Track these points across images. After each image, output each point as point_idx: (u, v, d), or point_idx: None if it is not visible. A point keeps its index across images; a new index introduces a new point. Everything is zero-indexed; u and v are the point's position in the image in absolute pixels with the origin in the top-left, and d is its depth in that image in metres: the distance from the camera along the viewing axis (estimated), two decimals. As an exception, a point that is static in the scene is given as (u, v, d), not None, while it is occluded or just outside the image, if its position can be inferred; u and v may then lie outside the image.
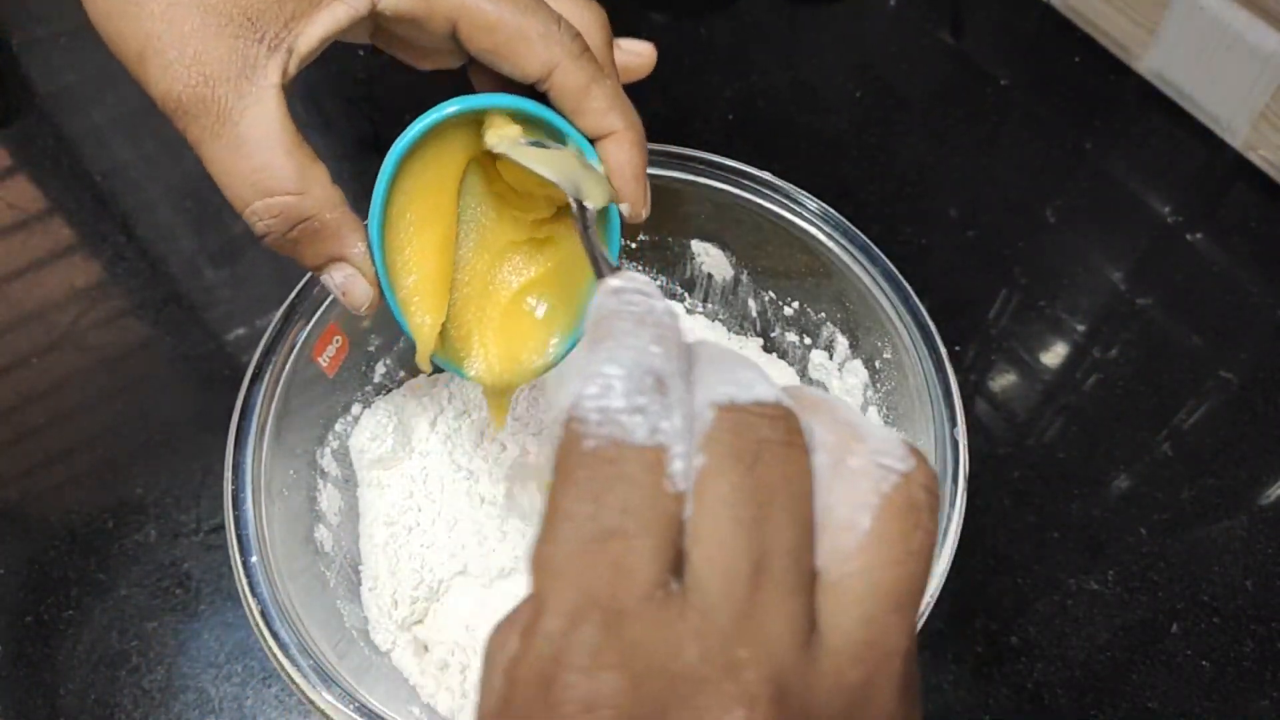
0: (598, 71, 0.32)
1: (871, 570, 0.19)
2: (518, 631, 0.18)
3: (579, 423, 0.19)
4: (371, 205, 0.33)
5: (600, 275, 0.29)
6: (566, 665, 0.17)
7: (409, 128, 0.33)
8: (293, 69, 0.31)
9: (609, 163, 0.33)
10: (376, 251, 0.33)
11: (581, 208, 0.31)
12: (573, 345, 0.38)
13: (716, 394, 0.20)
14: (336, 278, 0.33)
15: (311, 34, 0.31)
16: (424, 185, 0.34)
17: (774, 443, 0.19)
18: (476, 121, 0.34)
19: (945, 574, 0.36)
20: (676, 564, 0.19)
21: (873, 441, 0.20)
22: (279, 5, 0.30)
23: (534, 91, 0.33)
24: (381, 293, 0.34)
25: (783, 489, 0.19)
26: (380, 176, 0.33)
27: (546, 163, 0.32)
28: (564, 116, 0.33)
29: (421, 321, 0.35)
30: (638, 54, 0.37)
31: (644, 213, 0.35)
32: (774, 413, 0.20)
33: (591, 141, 0.33)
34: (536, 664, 0.18)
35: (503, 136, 0.33)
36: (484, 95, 0.33)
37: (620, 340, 0.21)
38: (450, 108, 0.32)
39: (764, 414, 0.20)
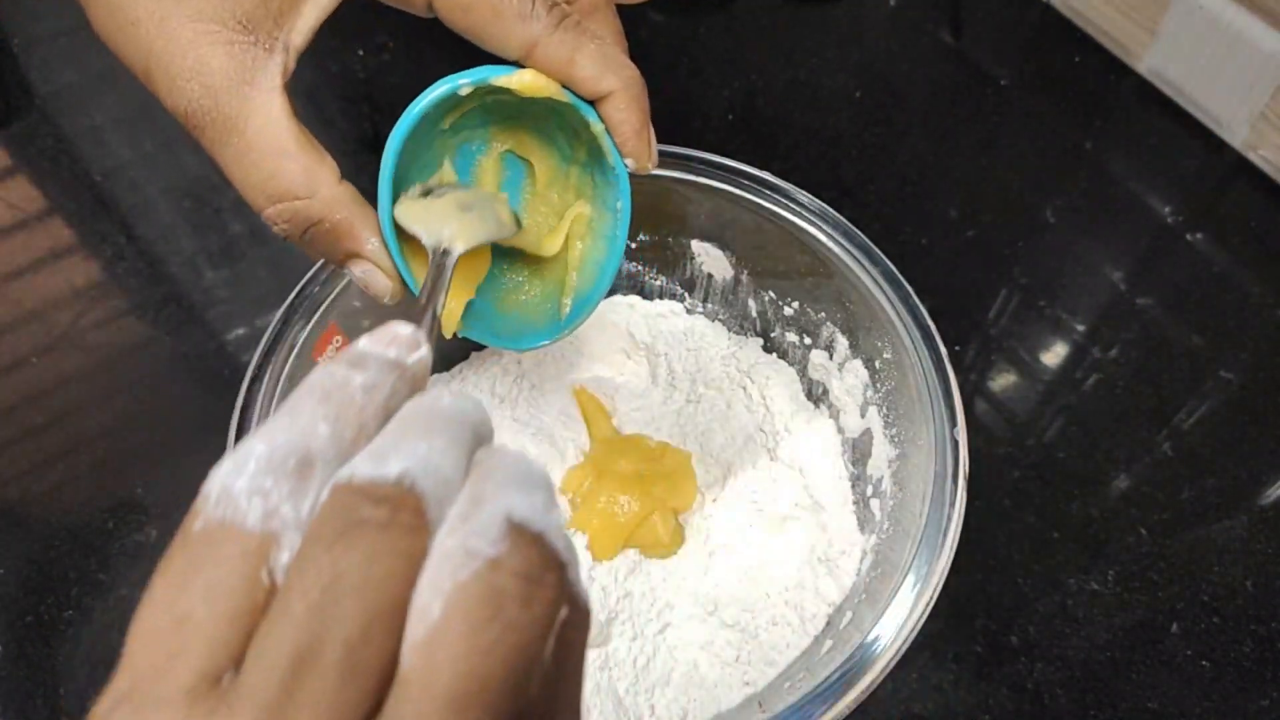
0: (580, 39, 0.32)
1: (430, 666, 0.17)
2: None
3: (201, 499, 0.19)
4: (379, 197, 0.33)
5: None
6: None
7: (405, 113, 0.33)
8: (291, 64, 0.31)
9: (608, 121, 0.33)
10: (391, 242, 0.33)
11: (440, 254, 0.32)
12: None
13: (343, 471, 0.19)
14: (356, 272, 0.34)
15: (302, 26, 0.31)
16: (420, 169, 0.35)
17: (370, 524, 0.18)
18: (457, 106, 0.34)
19: (945, 574, 0.36)
20: (241, 658, 0.17)
21: (472, 522, 0.18)
22: (265, 3, 0.30)
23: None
24: (404, 281, 0.34)
25: (356, 572, 0.17)
26: (383, 168, 0.33)
27: (418, 217, 0.33)
28: None
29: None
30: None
31: (650, 165, 0.35)
32: (387, 492, 0.18)
33: (591, 104, 0.34)
34: None
35: (400, 204, 0.33)
36: (473, 70, 0.33)
37: (292, 415, 0.20)
38: (438, 90, 0.32)
39: (372, 493, 0.18)
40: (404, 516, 0.18)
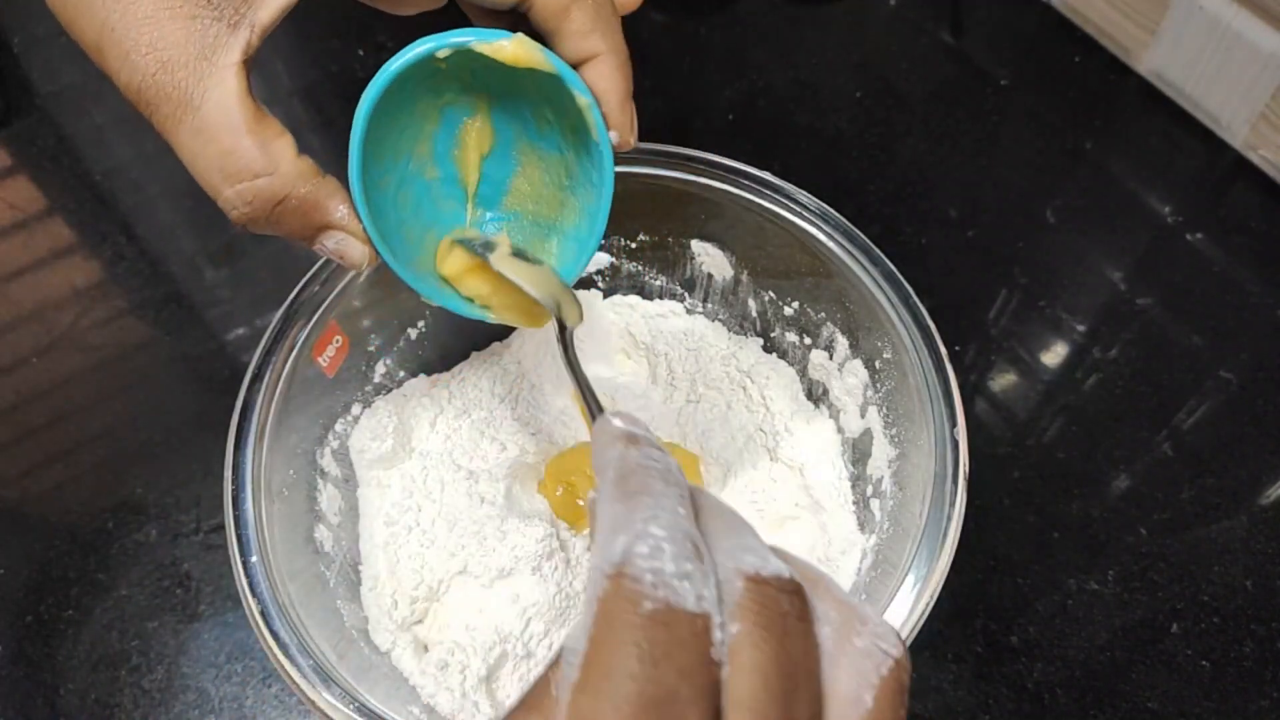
0: None
1: None
2: None
3: (634, 581, 0.20)
4: (350, 158, 0.32)
5: (591, 409, 0.31)
6: None
7: (377, 76, 0.32)
8: (255, 42, 0.30)
9: (593, 89, 0.33)
10: (361, 207, 0.33)
11: (562, 327, 0.32)
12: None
13: (743, 564, 0.21)
14: (329, 245, 0.33)
15: (272, 3, 0.30)
16: (399, 135, 0.34)
17: (794, 617, 0.21)
18: (440, 72, 0.33)
19: (945, 574, 0.36)
20: None
21: (871, 625, 0.22)
22: None
23: (512, 22, 0.32)
24: (375, 247, 0.34)
25: (804, 664, 0.21)
26: (355, 129, 0.32)
27: (531, 279, 0.34)
28: (545, 43, 0.32)
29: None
30: None
31: (632, 140, 0.34)
32: (792, 588, 0.22)
33: (575, 68, 0.32)
34: None
35: (497, 254, 0.34)
36: (455, 32, 0.32)
37: (657, 500, 0.22)
38: (415, 50, 0.31)
39: (784, 589, 0.21)
40: (808, 612, 0.22)
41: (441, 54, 0.31)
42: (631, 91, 0.33)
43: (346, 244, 0.33)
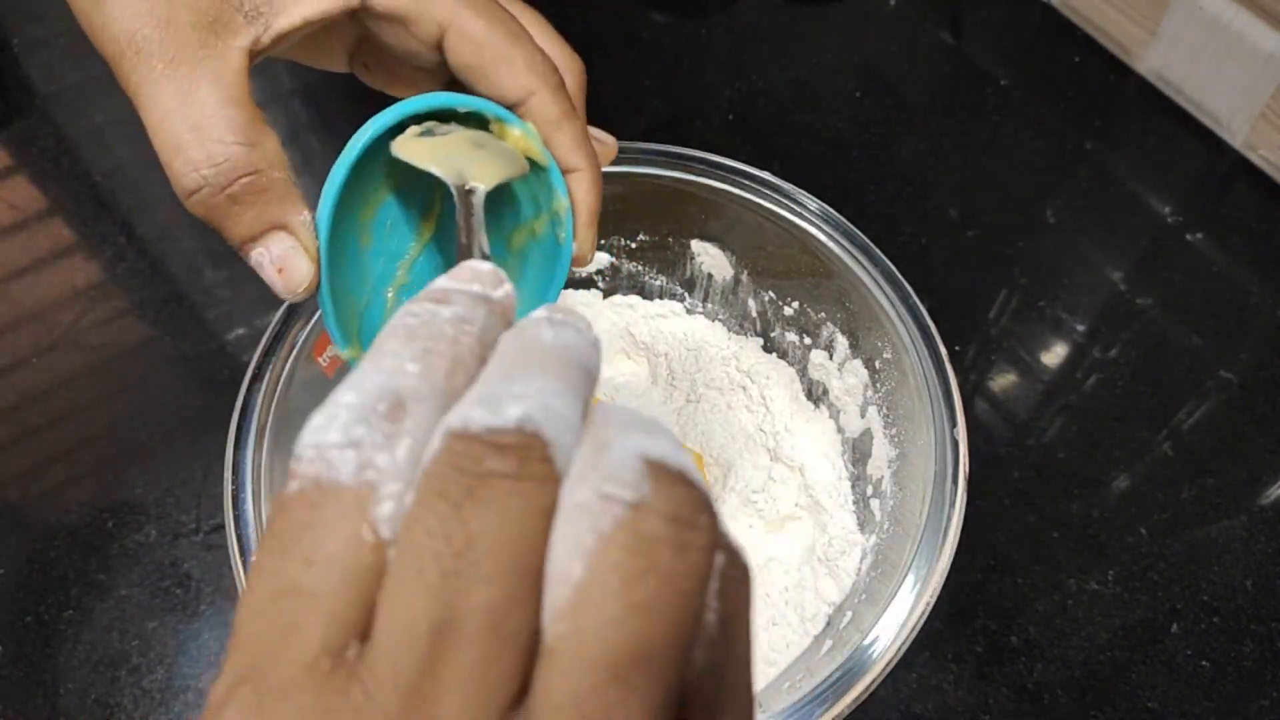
0: (570, 109, 0.32)
1: (581, 632, 0.15)
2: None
3: (295, 461, 0.17)
4: (334, 171, 0.30)
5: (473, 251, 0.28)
6: None
7: (360, 131, 0.31)
8: (266, 40, 0.29)
9: (572, 197, 0.33)
10: (323, 231, 0.30)
11: (465, 193, 0.29)
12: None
13: (455, 417, 0.17)
14: (274, 250, 0.30)
15: (295, 12, 0.29)
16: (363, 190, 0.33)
17: (499, 476, 0.16)
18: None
19: (945, 574, 0.36)
20: (368, 626, 0.16)
21: (607, 463, 0.16)
22: None
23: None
24: (319, 276, 0.31)
25: (491, 533, 0.15)
26: (337, 167, 0.30)
27: (431, 155, 0.30)
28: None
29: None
30: (600, 141, 0.37)
31: (589, 258, 0.34)
32: (510, 440, 0.16)
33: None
34: None
35: (401, 140, 0.31)
36: (425, 95, 0.31)
37: (377, 360, 0.18)
38: (430, 100, 0.31)
39: (494, 442, 0.16)
40: (533, 467, 0.16)
41: (460, 108, 0.31)
42: (599, 212, 0.34)
43: (294, 254, 0.30)
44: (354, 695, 0.15)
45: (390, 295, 0.36)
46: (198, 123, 0.28)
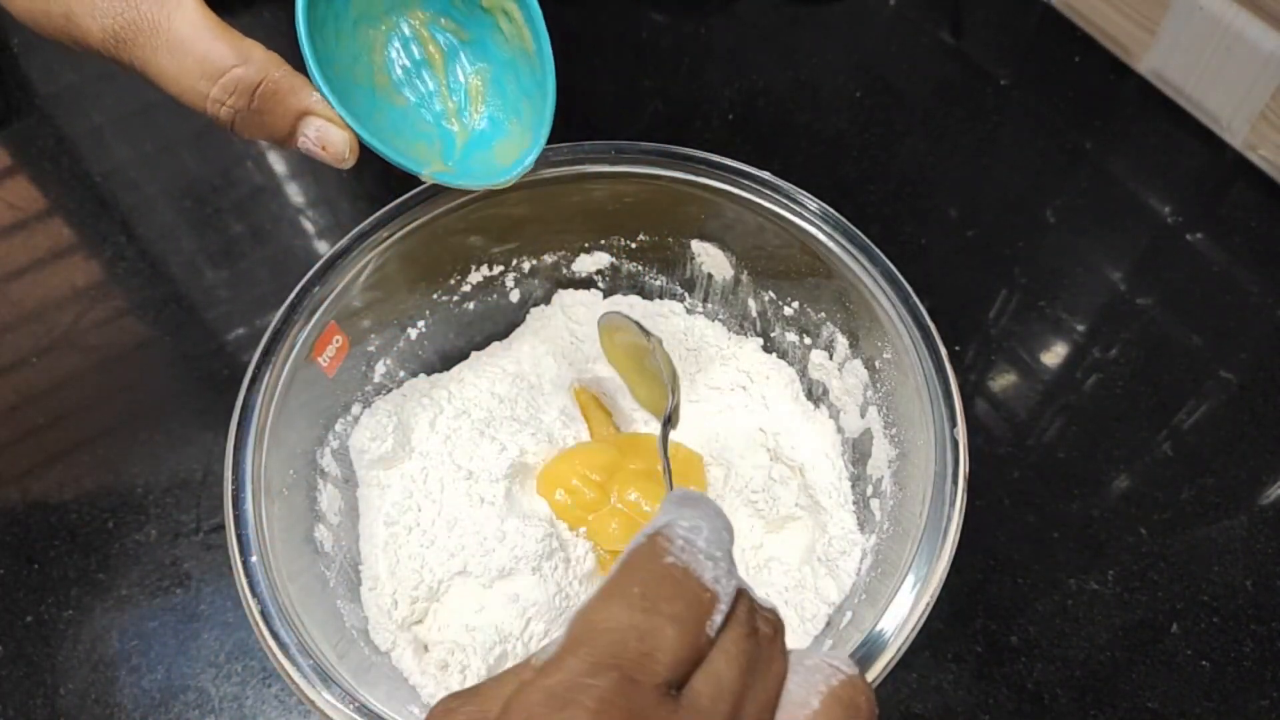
0: None
1: None
2: (531, 666, 0.22)
3: (666, 540, 0.24)
4: (305, 58, 0.35)
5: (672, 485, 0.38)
6: (576, 703, 0.20)
7: None
8: None
9: None
10: (329, 95, 0.35)
11: (666, 423, 0.37)
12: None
13: (746, 586, 0.25)
14: (311, 134, 0.35)
15: None
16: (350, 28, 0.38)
17: (765, 636, 0.24)
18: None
19: (945, 574, 0.36)
20: (681, 683, 0.22)
21: (823, 654, 0.25)
22: None
23: None
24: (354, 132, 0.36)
25: (769, 664, 0.24)
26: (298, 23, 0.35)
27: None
28: None
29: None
30: None
31: None
32: (772, 617, 0.25)
33: None
34: (543, 692, 0.21)
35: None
36: None
37: (708, 514, 0.25)
38: None
39: (763, 612, 0.25)
40: (781, 638, 0.25)
41: None
42: None
43: (327, 130, 0.35)
44: (679, 715, 0.22)
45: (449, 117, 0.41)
46: (200, 69, 0.32)
